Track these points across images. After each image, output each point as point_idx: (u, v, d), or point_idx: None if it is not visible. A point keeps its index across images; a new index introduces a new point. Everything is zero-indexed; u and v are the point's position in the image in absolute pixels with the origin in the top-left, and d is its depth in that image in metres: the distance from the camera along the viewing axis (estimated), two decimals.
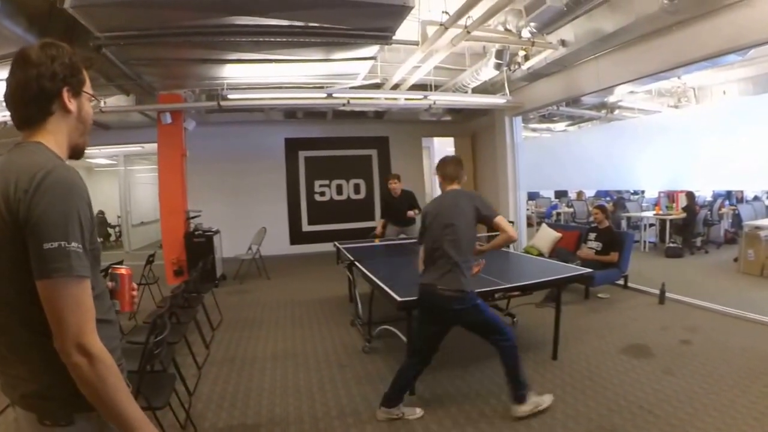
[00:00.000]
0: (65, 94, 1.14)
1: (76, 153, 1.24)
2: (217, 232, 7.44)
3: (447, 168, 3.20)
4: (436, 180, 3.33)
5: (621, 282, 5.90)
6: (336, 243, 5.77)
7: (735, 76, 7.88)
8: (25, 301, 1.03)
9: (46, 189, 1.01)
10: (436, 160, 11.39)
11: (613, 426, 2.85)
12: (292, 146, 9.88)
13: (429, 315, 3.02)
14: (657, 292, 5.38)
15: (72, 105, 1.16)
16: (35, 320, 1.03)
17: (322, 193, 10.16)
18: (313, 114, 9.18)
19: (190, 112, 7.40)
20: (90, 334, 1.03)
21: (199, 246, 6.99)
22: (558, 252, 5.94)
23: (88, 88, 1.22)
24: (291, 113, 9.07)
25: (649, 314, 5.00)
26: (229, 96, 6.27)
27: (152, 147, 7.81)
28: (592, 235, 5.81)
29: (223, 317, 5.31)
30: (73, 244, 1.02)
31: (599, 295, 5.67)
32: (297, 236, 10.02)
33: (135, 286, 1.35)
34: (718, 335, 4.22)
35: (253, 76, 5.98)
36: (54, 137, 1.15)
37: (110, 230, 12.72)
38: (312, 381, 3.67)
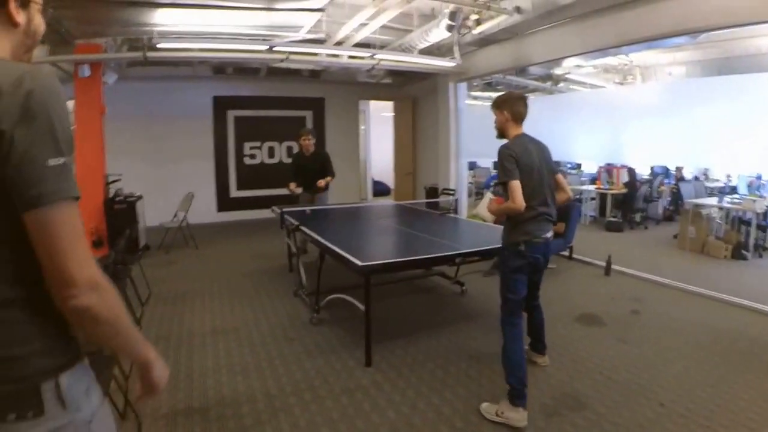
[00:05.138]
0: (12, 4, 0.93)
1: None
2: (139, 197, 6.78)
3: (521, 106, 2.84)
4: (495, 118, 2.90)
5: (566, 253, 6.00)
6: (276, 208, 5.39)
7: (683, 58, 8.07)
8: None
9: (42, 91, 0.84)
10: (373, 125, 11.02)
11: (575, 391, 2.89)
12: (221, 105, 9.12)
13: (532, 270, 2.84)
14: (602, 263, 5.51)
15: (21, 17, 0.96)
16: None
17: (253, 156, 9.53)
18: (243, 70, 8.51)
19: (110, 64, 6.57)
20: (94, 262, 0.89)
21: (120, 213, 6.34)
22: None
23: None
24: (220, 69, 8.36)
25: (597, 285, 5.13)
26: (159, 46, 5.54)
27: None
28: None
29: (152, 291, 4.82)
30: (69, 158, 0.87)
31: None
32: (225, 202, 9.39)
33: None
34: (666, 307, 4.37)
35: (186, 23, 5.33)
36: None
37: None
38: (260, 356, 3.42)
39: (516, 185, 2.62)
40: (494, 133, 2.95)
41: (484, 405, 2.70)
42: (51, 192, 0.83)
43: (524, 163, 2.68)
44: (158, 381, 1.06)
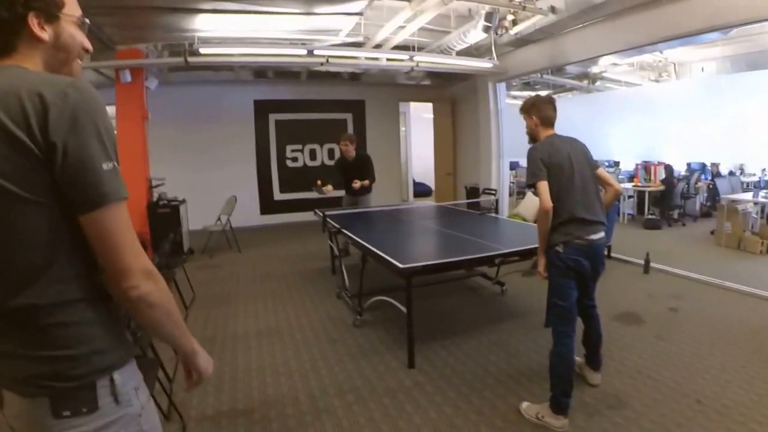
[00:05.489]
0: (32, 21, 0.92)
1: None
2: (183, 201, 6.94)
3: (549, 110, 2.74)
4: (525, 122, 2.81)
5: (605, 251, 5.86)
6: (318, 210, 5.44)
7: (714, 54, 7.92)
8: (55, 248, 0.89)
9: (85, 101, 0.88)
10: (413, 126, 11.06)
11: (615, 390, 2.85)
12: (262, 108, 9.26)
13: (578, 275, 2.64)
14: (640, 261, 5.44)
15: (45, 33, 0.95)
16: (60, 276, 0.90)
17: (295, 159, 9.64)
18: (284, 74, 8.64)
19: (151, 70, 6.76)
20: (144, 253, 0.96)
21: (163, 217, 6.46)
22: None
23: (70, 9, 0.99)
24: (261, 73, 8.50)
25: (636, 283, 5.04)
26: (201, 50, 5.67)
27: (108, 109, 7.14)
28: None
29: (196, 294, 4.93)
30: (117, 161, 0.93)
31: None
32: (268, 205, 9.54)
33: None
34: (703, 304, 4.29)
35: (226, 29, 5.44)
36: (29, 65, 0.95)
37: None
38: (303, 358, 3.46)
39: (543, 186, 2.53)
40: None
41: (524, 405, 2.67)
42: (107, 194, 0.88)
43: (553, 162, 2.57)
44: (205, 369, 1.12)
